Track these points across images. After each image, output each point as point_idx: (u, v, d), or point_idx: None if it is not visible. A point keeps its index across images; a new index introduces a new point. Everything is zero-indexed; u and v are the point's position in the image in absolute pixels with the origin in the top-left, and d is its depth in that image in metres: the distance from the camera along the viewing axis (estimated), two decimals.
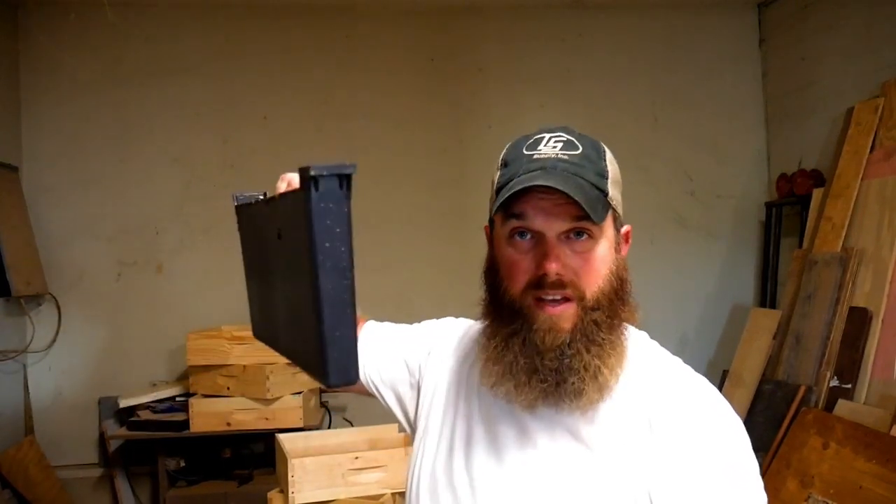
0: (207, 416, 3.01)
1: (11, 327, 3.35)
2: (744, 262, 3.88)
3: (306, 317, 0.67)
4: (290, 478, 2.12)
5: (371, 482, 2.20)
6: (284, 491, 2.18)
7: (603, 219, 0.82)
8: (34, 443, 3.31)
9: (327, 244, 0.63)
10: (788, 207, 3.60)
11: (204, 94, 3.61)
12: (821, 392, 2.78)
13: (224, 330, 3.12)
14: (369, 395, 1.12)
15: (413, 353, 1.07)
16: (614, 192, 0.86)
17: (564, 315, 0.82)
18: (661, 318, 3.61)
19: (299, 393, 3.05)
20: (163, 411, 3.18)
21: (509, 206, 0.82)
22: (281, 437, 2.38)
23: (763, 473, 0.84)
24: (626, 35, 3.85)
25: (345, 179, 0.67)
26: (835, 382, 2.74)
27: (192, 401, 3.04)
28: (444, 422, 0.97)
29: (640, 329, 0.93)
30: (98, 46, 3.54)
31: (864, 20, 3.17)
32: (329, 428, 3.42)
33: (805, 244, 3.19)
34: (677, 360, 0.91)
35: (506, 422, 0.90)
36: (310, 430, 2.93)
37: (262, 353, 3.01)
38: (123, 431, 3.17)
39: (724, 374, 3.39)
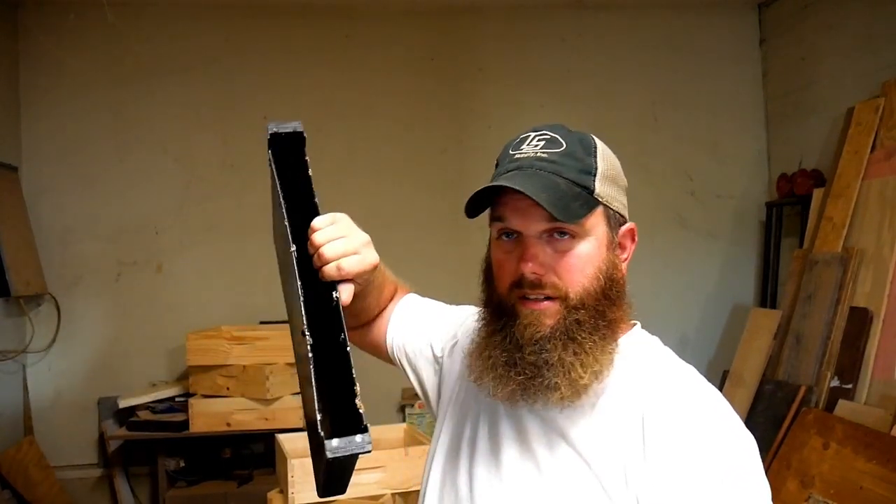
0: (207, 416, 3.01)
1: (11, 327, 3.35)
2: (744, 262, 3.88)
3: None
4: (289, 478, 2.12)
5: (371, 482, 2.20)
6: (284, 491, 2.18)
7: (580, 217, 0.81)
8: (34, 443, 3.31)
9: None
10: (789, 207, 3.60)
11: (204, 94, 3.61)
12: (821, 392, 2.78)
13: (224, 330, 3.12)
14: (391, 362, 1.13)
15: (440, 337, 1.07)
16: (605, 189, 0.84)
17: (547, 311, 0.82)
18: (661, 318, 3.60)
19: (299, 393, 3.04)
20: (162, 411, 3.18)
21: (494, 208, 0.84)
22: (281, 437, 2.37)
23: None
24: (626, 35, 3.85)
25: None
26: (835, 382, 2.74)
27: (191, 401, 3.04)
28: (458, 417, 0.98)
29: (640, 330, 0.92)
30: (98, 46, 3.54)
31: (864, 20, 3.17)
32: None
33: (805, 244, 3.19)
34: (689, 369, 0.87)
35: (506, 422, 0.90)
36: None
37: (262, 353, 3.02)
38: (123, 432, 3.17)
39: (725, 374, 3.39)
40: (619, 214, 0.87)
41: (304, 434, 2.79)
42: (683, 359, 0.89)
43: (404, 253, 3.79)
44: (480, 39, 3.79)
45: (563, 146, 0.84)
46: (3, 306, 3.27)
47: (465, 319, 1.05)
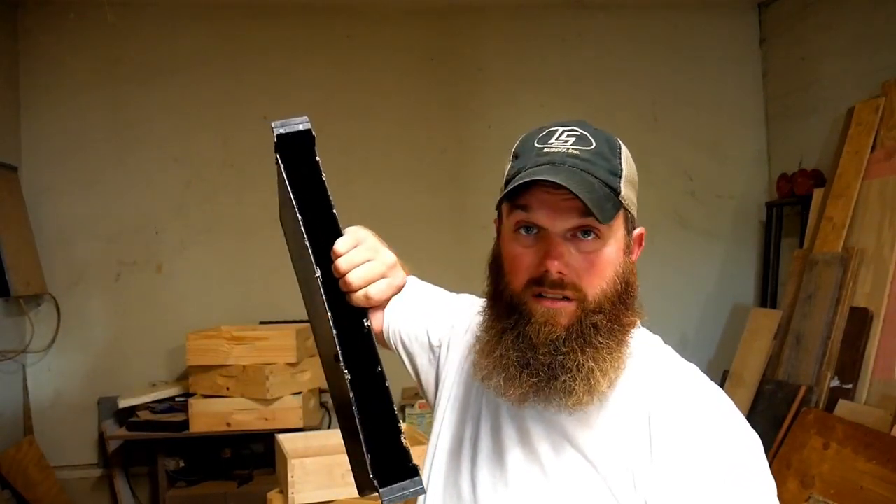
0: (207, 416, 3.01)
1: (11, 327, 3.34)
2: (744, 262, 3.88)
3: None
4: (289, 478, 2.11)
5: None
6: (284, 491, 2.17)
7: (611, 218, 0.78)
8: (34, 443, 3.31)
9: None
10: (789, 207, 3.60)
11: (204, 94, 3.61)
12: (821, 392, 2.78)
13: (224, 330, 3.11)
14: (386, 346, 1.08)
15: (437, 325, 1.04)
16: (627, 192, 0.82)
17: (563, 311, 0.79)
18: (661, 318, 3.59)
19: (299, 393, 3.05)
20: (162, 411, 3.17)
21: (516, 197, 0.80)
22: (281, 437, 2.37)
23: None
24: (627, 35, 3.85)
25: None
26: (835, 383, 2.74)
27: (191, 401, 3.03)
28: (459, 416, 0.95)
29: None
30: (98, 46, 3.54)
31: (864, 20, 3.17)
32: (329, 428, 3.42)
33: (806, 244, 3.19)
34: (691, 368, 0.86)
35: (509, 422, 0.88)
36: (310, 430, 2.92)
37: (262, 353, 3.01)
38: (123, 432, 3.17)
39: (725, 374, 3.39)
40: (634, 218, 0.86)
41: (304, 434, 2.79)
42: (684, 358, 0.88)
43: (404, 253, 3.79)
44: (480, 39, 3.79)
45: (592, 144, 0.81)
46: (3, 306, 3.27)
47: (464, 309, 1.02)
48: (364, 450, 0.72)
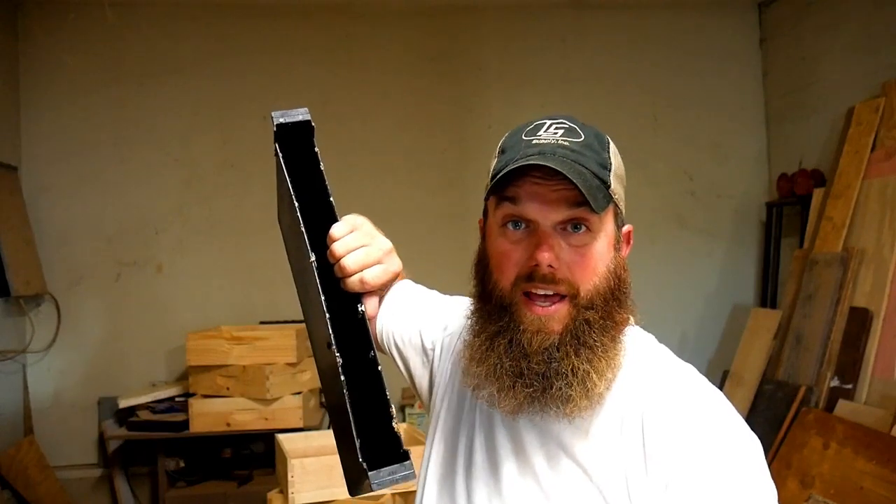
0: (207, 416, 3.01)
1: (11, 327, 3.34)
2: (744, 262, 3.88)
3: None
4: (289, 478, 2.11)
5: None
6: (284, 491, 2.17)
7: (603, 209, 0.76)
8: (34, 443, 3.31)
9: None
10: (789, 207, 3.60)
11: (204, 94, 3.61)
12: (821, 392, 2.78)
13: (224, 330, 3.12)
14: (380, 349, 1.06)
15: (430, 328, 1.02)
16: (616, 186, 0.80)
17: (555, 316, 0.77)
18: (661, 318, 3.60)
19: (299, 393, 3.05)
20: (162, 411, 3.17)
21: (503, 188, 0.77)
22: (281, 437, 2.37)
23: None
24: (627, 35, 3.85)
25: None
26: (835, 382, 2.74)
27: (191, 401, 3.04)
28: (452, 425, 0.94)
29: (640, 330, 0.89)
30: (98, 46, 3.54)
31: (864, 20, 3.17)
32: (329, 428, 3.42)
33: (806, 244, 3.19)
34: (687, 368, 0.84)
35: (503, 432, 0.86)
36: (310, 430, 2.92)
37: (262, 353, 3.01)
38: (123, 432, 3.17)
39: (725, 374, 3.39)
40: (623, 214, 0.84)
41: (304, 434, 2.78)
42: (683, 359, 0.86)
43: (404, 252, 3.79)
44: (480, 39, 3.79)
45: (581, 137, 0.80)
46: (3, 306, 3.27)
47: (458, 311, 0.99)
48: (354, 433, 0.70)
